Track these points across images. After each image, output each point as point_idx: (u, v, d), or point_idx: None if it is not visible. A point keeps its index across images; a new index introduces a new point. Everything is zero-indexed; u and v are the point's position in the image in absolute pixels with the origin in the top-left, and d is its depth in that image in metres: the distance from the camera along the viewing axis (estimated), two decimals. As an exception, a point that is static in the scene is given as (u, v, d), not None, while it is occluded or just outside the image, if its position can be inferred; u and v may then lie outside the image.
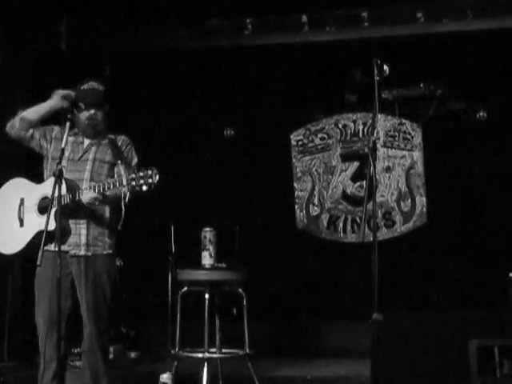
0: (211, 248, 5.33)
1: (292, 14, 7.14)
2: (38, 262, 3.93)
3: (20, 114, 4.54)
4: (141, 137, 4.88)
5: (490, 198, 7.36)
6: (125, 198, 4.18)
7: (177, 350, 5.37)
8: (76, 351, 5.74)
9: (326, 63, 7.56)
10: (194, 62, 7.66)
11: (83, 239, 4.41)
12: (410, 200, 7.72)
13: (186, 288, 5.39)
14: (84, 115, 4.49)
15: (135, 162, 4.57)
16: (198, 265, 5.36)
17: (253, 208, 7.74)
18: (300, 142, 8.00)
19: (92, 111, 4.48)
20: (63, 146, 4.21)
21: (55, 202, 4.13)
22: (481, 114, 7.46)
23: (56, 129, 4.60)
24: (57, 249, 4.19)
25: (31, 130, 4.54)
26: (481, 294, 7.01)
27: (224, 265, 5.38)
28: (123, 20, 7.28)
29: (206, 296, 5.24)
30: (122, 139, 4.62)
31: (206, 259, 5.33)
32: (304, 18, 7.11)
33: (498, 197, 7.33)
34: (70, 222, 4.38)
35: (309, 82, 7.64)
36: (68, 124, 4.29)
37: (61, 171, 4.06)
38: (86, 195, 4.25)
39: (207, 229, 5.37)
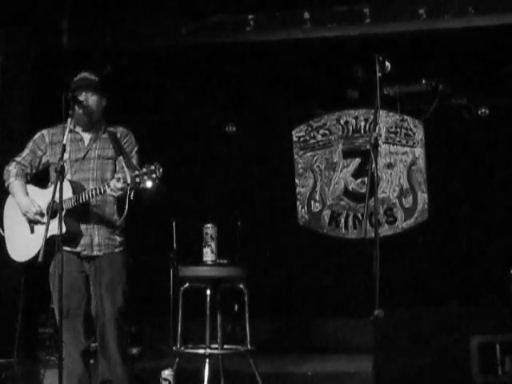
0: (213, 244, 5.31)
1: (294, 11, 7.13)
2: (40, 259, 3.94)
3: (9, 180, 4.52)
4: (142, 133, 4.87)
5: (492, 194, 7.36)
6: (129, 195, 4.17)
7: (178, 346, 5.36)
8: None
9: (328, 59, 7.56)
10: (195, 59, 7.66)
11: (95, 240, 4.40)
12: (411, 196, 7.71)
13: (187, 284, 5.38)
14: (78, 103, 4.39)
15: (136, 150, 4.54)
16: (199, 261, 5.35)
17: (254, 204, 7.74)
18: (302, 139, 7.99)
19: (83, 94, 4.40)
20: (64, 141, 4.12)
21: (64, 206, 4.14)
22: (482, 110, 7.46)
23: (45, 133, 4.53)
24: (69, 249, 4.33)
25: (29, 169, 4.53)
26: (482, 290, 7.02)
27: (225, 261, 5.37)
28: (125, 17, 7.27)
29: (208, 292, 5.23)
30: (120, 131, 4.56)
31: (208, 255, 5.31)
32: (306, 15, 7.11)
33: (500, 193, 7.33)
34: (81, 223, 4.37)
35: (310, 78, 7.64)
36: (69, 120, 4.24)
37: (62, 167, 4.00)
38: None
39: (209, 225, 5.35)
